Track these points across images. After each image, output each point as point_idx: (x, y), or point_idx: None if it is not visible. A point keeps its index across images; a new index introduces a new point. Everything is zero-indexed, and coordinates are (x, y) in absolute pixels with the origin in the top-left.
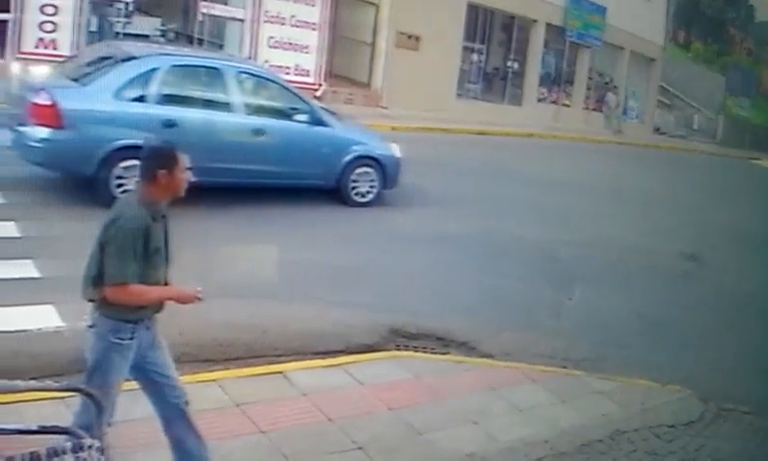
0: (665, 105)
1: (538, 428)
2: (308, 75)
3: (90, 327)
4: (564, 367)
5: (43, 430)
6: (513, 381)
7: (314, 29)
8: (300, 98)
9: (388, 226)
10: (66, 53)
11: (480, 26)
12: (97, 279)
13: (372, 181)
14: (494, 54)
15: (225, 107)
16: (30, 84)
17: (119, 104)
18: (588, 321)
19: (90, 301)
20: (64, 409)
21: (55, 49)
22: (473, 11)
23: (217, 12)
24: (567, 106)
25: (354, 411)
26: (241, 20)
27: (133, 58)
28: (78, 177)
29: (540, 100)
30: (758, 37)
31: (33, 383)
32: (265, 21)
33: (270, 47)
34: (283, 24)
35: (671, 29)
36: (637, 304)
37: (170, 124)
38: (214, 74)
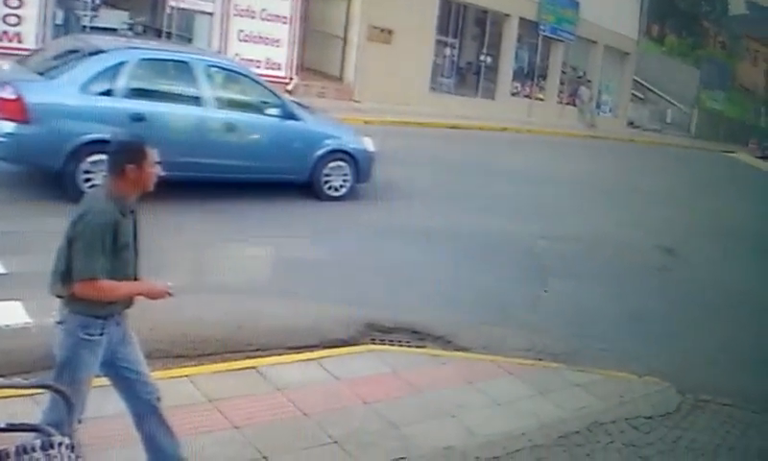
0: (639, 98)
1: (515, 421)
2: (279, 69)
3: (59, 323)
4: (542, 360)
5: (12, 428)
6: (490, 374)
7: (285, 22)
8: (272, 92)
9: (361, 220)
10: (32, 46)
11: (453, 20)
12: (65, 274)
13: (344, 175)
14: (468, 48)
15: (194, 101)
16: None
17: (86, 98)
18: (566, 314)
19: (59, 297)
20: (33, 406)
21: (20, 42)
22: (446, 4)
23: (186, 6)
24: (541, 100)
25: (330, 406)
26: (210, 14)
27: (101, 51)
28: (45, 171)
29: (513, 94)
30: (732, 31)
31: (0, 380)
32: (235, 14)
33: (240, 41)
34: (253, 17)
35: (645, 23)
36: (615, 297)
37: (138, 118)
38: (183, 68)
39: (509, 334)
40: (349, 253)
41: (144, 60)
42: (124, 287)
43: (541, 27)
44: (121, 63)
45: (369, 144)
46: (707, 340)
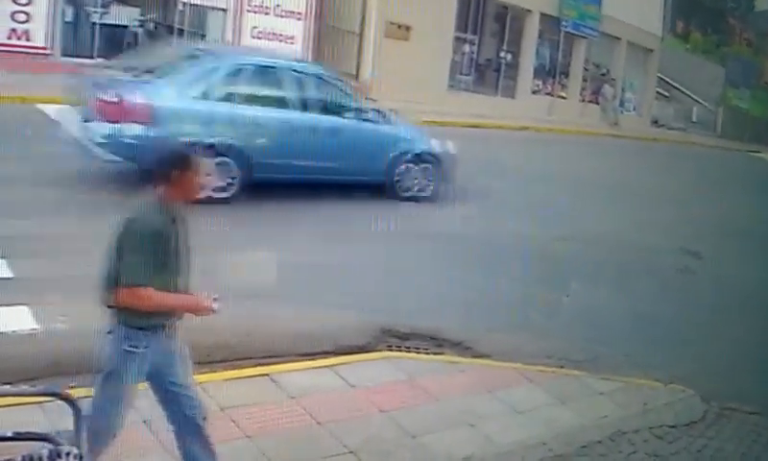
0: (664, 96)
1: (535, 430)
2: None
3: (108, 333)
4: (563, 367)
5: (18, 437)
6: (509, 382)
7: (299, 18)
8: (353, 96)
9: (377, 223)
10: (41, 44)
11: (472, 16)
12: (112, 282)
13: (420, 177)
14: (487, 45)
15: (295, 105)
16: (107, 80)
17: (205, 103)
18: (587, 319)
19: (108, 307)
20: (41, 414)
21: (28, 40)
22: (465, 0)
23: (198, 2)
24: (563, 98)
25: (345, 414)
26: (224, 10)
27: (216, 57)
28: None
29: (534, 92)
30: (759, 28)
31: (7, 388)
32: (248, 10)
33: (253, 37)
34: (267, 13)
35: (669, 19)
36: (637, 302)
37: (250, 122)
38: (288, 75)
39: (529, 340)
40: (363, 256)
41: (258, 66)
42: (168, 299)
43: (563, 23)
44: (238, 70)
45: (448, 147)
46: (733, 345)
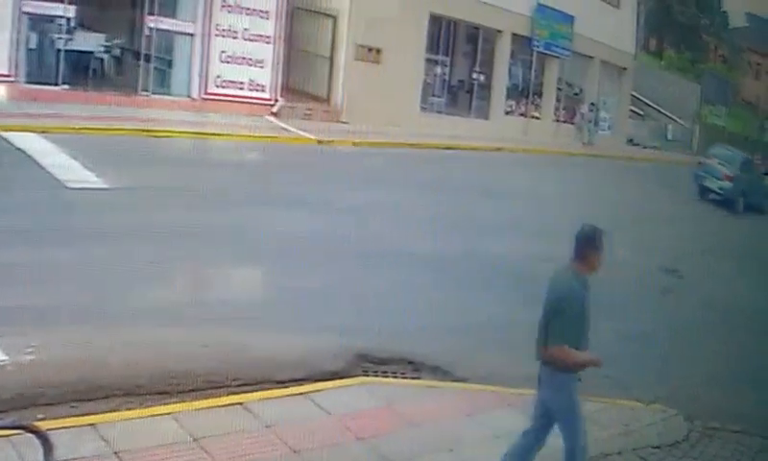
0: (639, 115)
1: None
2: (263, 90)
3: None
4: None
5: None
6: (489, 406)
7: (268, 42)
8: None
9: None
10: (4, 71)
11: (444, 37)
12: (545, 341)
13: None
14: (459, 66)
15: None
16: None
17: None
18: None
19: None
20: (9, 448)
21: None
22: (436, 22)
23: (165, 27)
24: (537, 118)
25: (321, 442)
26: (191, 34)
27: None
28: None
29: (507, 113)
30: (733, 44)
31: None
32: (216, 35)
33: (222, 62)
34: (236, 38)
35: (642, 37)
36: (618, 321)
37: None
38: None
39: (508, 363)
40: (340, 279)
41: None
42: (578, 356)
43: (535, 43)
44: None
45: None
46: (715, 364)
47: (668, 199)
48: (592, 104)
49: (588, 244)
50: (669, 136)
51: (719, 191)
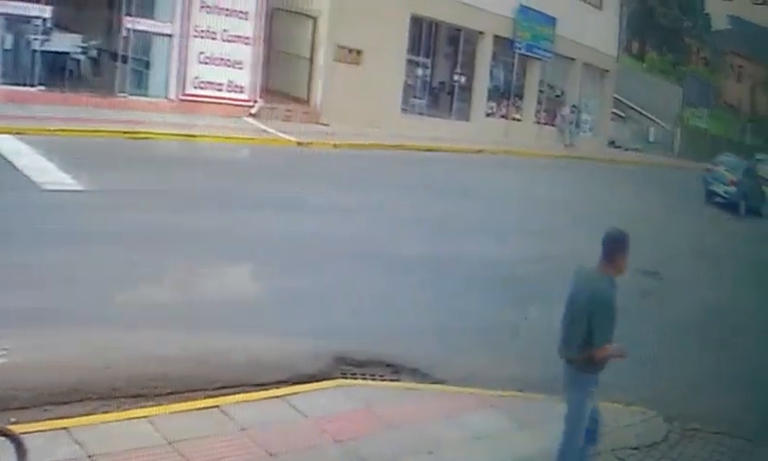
0: (620, 117)
1: (495, 456)
2: (242, 91)
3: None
4: (523, 391)
5: None
6: (469, 408)
7: (247, 43)
8: None
9: (328, 244)
10: None
11: (425, 39)
12: (580, 341)
13: None
14: (440, 67)
15: None
16: None
17: None
18: (548, 342)
19: (568, 360)
20: None
21: None
22: (417, 23)
23: (143, 28)
24: (518, 120)
25: (298, 445)
26: (169, 35)
27: None
28: None
29: (488, 115)
30: (715, 47)
31: None
32: (195, 36)
33: (200, 63)
34: (214, 39)
35: (625, 39)
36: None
37: None
38: None
39: (489, 364)
40: (318, 280)
41: None
42: (611, 350)
43: (517, 44)
44: None
45: None
46: (695, 365)
47: (680, 203)
48: (574, 106)
49: (616, 247)
50: (651, 139)
51: (725, 195)
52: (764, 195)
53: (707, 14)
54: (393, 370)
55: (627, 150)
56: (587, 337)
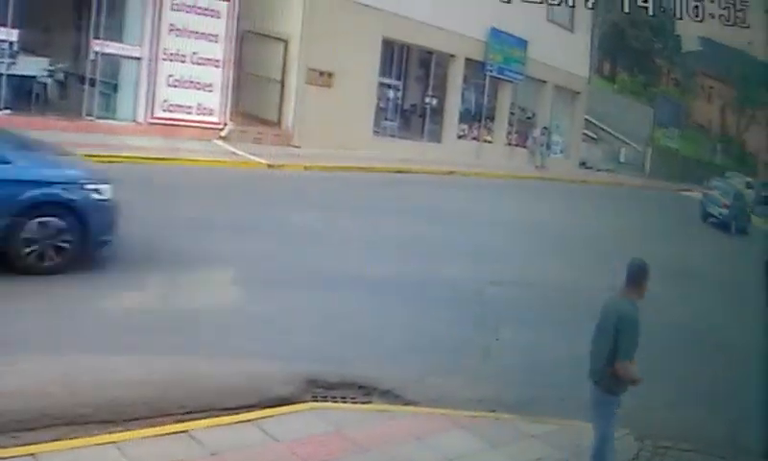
0: (591, 138)
1: None
2: (212, 114)
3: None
4: (495, 411)
5: None
6: (440, 429)
7: (217, 66)
8: None
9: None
10: None
11: (396, 62)
12: (605, 362)
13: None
14: (412, 90)
15: None
16: None
17: None
18: (519, 362)
19: (595, 381)
20: None
21: None
22: (389, 46)
23: (111, 51)
24: (489, 142)
25: None
26: (138, 58)
27: None
28: None
29: (460, 137)
30: (686, 68)
31: None
32: (164, 59)
33: (169, 86)
34: (184, 61)
35: (596, 61)
36: (569, 343)
37: None
38: None
39: (460, 386)
40: (287, 304)
41: None
42: (633, 370)
43: (488, 67)
44: None
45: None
46: (666, 384)
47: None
48: (545, 128)
49: (640, 274)
50: (622, 159)
51: (719, 216)
52: (749, 217)
53: (677, 36)
54: (364, 391)
55: (598, 171)
56: (612, 355)
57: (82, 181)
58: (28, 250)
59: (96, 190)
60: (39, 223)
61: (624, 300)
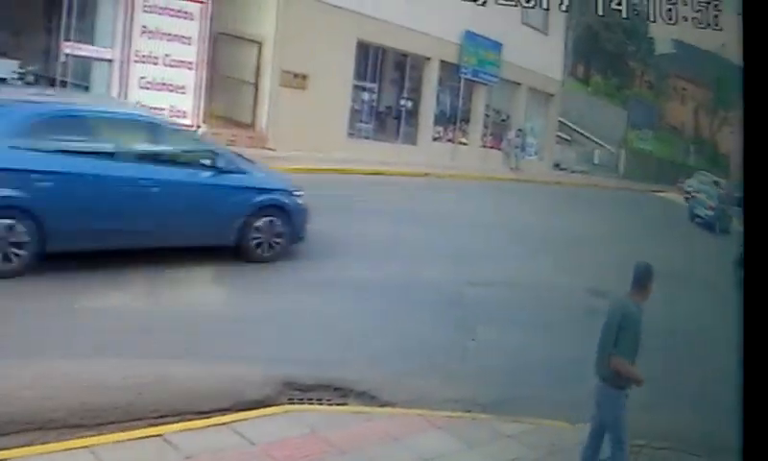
0: (565, 140)
1: None
2: (185, 116)
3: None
4: (471, 412)
5: None
6: (416, 430)
7: (190, 68)
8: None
9: (281, 272)
10: None
11: (371, 64)
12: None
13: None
14: (387, 92)
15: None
16: None
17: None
18: (495, 363)
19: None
20: None
21: None
22: (364, 48)
23: (82, 53)
24: (464, 144)
25: None
26: (109, 60)
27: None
28: None
29: (435, 139)
30: (659, 70)
31: None
32: (136, 61)
33: (141, 88)
34: (156, 63)
35: (570, 63)
36: (545, 343)
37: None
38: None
39: (436, 386)
40: (266, 307)
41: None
42: (630, 369)
43: (463, 70)
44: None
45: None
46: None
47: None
48: (519, 130)
49: (645, 278)
50: (596, 161)
51: (704, 217)
52: (731, 218)
53: (651, 39)
54: (340, 393)
55: (572, 172)
56: (614, 350)
57: (290, 188)
58: (255, 243)
59: (299, 195)
60: (265, 222)
61: (629, 301)
